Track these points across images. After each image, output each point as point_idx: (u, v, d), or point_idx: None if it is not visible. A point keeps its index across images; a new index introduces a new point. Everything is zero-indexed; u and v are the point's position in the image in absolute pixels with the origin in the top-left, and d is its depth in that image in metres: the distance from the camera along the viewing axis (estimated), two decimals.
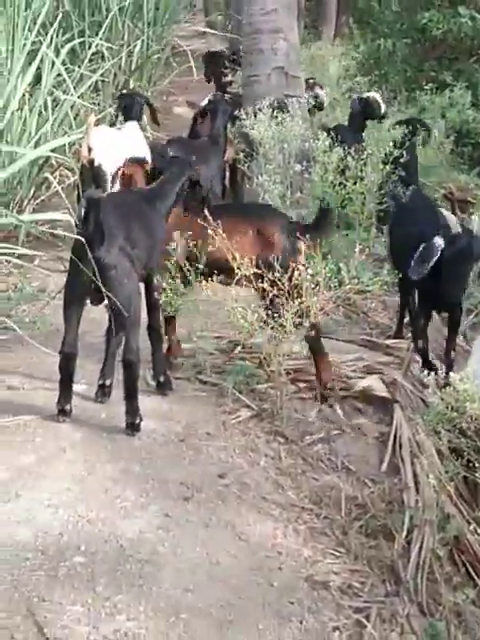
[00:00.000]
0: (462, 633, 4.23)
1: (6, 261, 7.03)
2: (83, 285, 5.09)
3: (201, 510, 4.66)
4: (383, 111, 10.21)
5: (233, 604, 4.03)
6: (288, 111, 9.68)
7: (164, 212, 5.74)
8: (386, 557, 4.67)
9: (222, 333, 6.55)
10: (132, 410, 5.23)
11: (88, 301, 5.20)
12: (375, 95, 10.36)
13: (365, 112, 10.14)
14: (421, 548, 4.65)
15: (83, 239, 4.94)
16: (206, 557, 4.31)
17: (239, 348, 6.37)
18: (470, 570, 4.76)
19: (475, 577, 4.72)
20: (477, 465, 4.76)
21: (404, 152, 8.99)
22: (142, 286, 5.55)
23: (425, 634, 4.16)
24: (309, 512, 4.93)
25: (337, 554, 4.63)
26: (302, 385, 6.22)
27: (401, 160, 9.10)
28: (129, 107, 8.67)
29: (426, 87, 13.04)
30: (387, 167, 8.84)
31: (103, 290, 4.99)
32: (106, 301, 5.10)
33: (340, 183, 8.71)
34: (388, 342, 7.10)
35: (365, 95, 10.43)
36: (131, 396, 5.23)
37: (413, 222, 6.83)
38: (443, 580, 4.44)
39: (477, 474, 4.41)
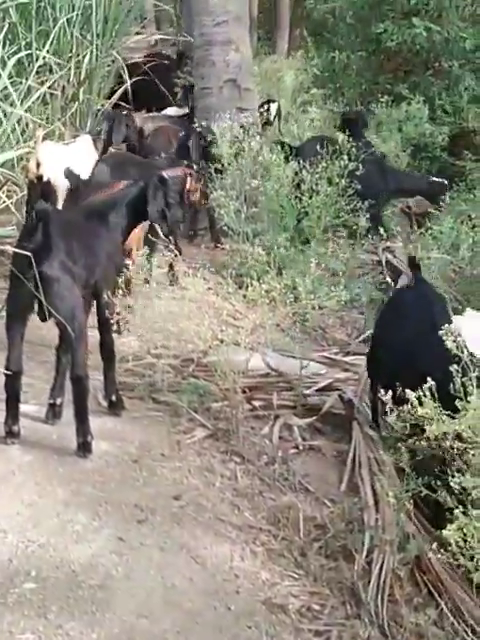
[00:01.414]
0: None
1: None
2: (25, 300, 5.07)
3: (156, 533, 4.64)
4: None
5: (189, 629, 4.01)
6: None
7: (117, 227, 5.72)
8: (346, 578, 4.68)
9: (177, 350, 6.53)
10: (83, 429, 5.20)
11: (36, 317, 5.17)
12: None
13: None
14: (381, 569, 4.66)
15: (27, 253, 4.92)
16: (161, 581, 4.28)
17: (193, 366, 6.36)
18: (431, 590, 4.77)
19: (437, 597, 4.73)
20: (438, 484, 4.76)
21: (359, 165, 9.06)
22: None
23: None
24: (267, 533, 4.93)
25: (296, 576, 4.63)
26: (258, 403, 6.22)
27: (357, 173, 9.17)
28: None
29: (382, 100, 13.13)
30: (342, 181, 8.89)
31: (45, 304, 4.97)
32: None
33: (296, 197, 8.75)
34: (346, 359, 7.12)
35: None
36: (81, 414, 5.20)
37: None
38: (404, 601, 4.45)
39: (438, 493, 4.41)
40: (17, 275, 5.03)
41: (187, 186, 7.97)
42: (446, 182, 10.69)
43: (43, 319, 5.16)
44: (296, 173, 8.94)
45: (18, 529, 4.49)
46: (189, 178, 8.03)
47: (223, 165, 9.23)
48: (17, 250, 5.08)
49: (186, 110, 11.72)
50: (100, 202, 5.93)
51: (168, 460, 5.41)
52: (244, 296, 6.39)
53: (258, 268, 6.85)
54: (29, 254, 4.91)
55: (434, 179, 10.79)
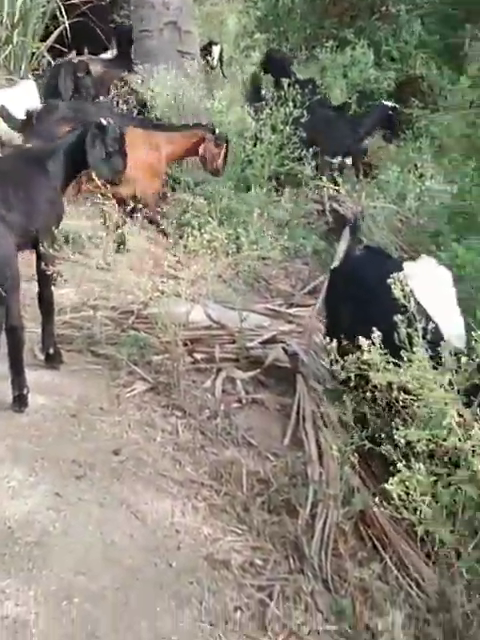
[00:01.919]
0: (368, 609, 4.28)
1: None
2: None
3: (94, 488, 4.62)
4: None
5: (129, 586, 4.01)
6: None
7: (56, 175, 5.64)
8: (289, 533, 4.69)
9: (116, 302, 6.49)
10: (18, 382, 5.17)
11: None
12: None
13: None
14: (325, 523, 4.69)
15: None
16: (100, 537, 4.27)
17: (133, 318, 6.32)
18: (376, 544, 4.82)
19: (381, 551, 4.77)
20: (383, 436, 4.79)
21: (304, 112, 9.03)
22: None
23: (330, 611, 4.20)
24: (209, 488, 4.93)
25: (238, 531, 4.64)
26: (200, 356, 6.20)
27: (301, 120, 9.15)
28: None
29: (327, 45, 13.07)
30: (287, 128, 8.87)
31: None
32: None
33: (239, 145, 8.70)
34: (290, 311, 7.11)
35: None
36: (16, 366, 5.16)
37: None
38: (348, 555, 4.49)
39: (382, 446, 4.44)
40: None
41: (201, 151, 7.83)
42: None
43: None
44: (240, 120, 8.88)
45: None
46: (205, 143, 7.88)
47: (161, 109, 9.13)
48: None
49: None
50: (39, 150, 5.85)
51: (107, 414, 5.38)
52: (185, 247, 6.35)
53: (199, 218, 6.79)
54: None
55: (386, 103, 10.76)
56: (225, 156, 7.90)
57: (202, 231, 6.14)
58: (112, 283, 6.62)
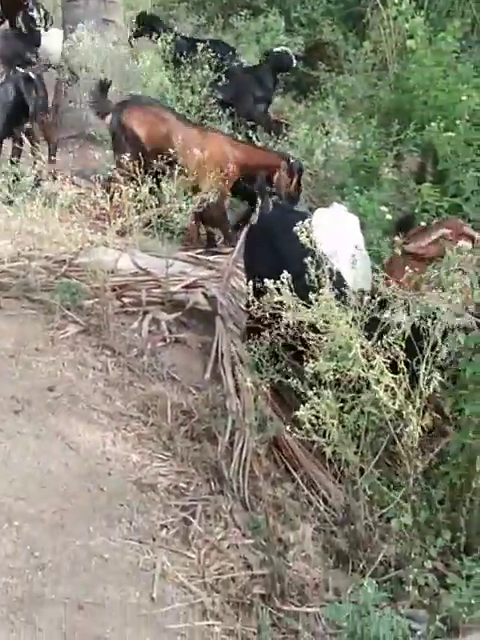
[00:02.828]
0: (281, 524, 4.35)
1: None
2: None
3: (32, 422, 4.61)
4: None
5: (65, 509, 4.03)
6: None
7: None
8: (210, 458, 4.74)
9: (50, 253, 6.41)
10: None
11: None
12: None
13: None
14: (242, 449, 4.74)
15: None
16: (37, 467, 4.28)
17: (66, 266, 6.26)
18: (288, 466, 4.89)
19: (293, 472, 4.85)
20: (291, 370, 4.84)
21: (222, 76, 8.98)
22: None
23: (247, 527, 4.27)
24: (137, 420, 4.95)
25: (164, 458, 4.68)
26: (127, 300, 6.18)
27: (219, 84, 9.10)
28: None
29: (241, 13, 12.93)
30: (204, 90, 8.80)
31: None
32: None
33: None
34: (210, 258, 7.10)
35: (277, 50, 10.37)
36: None
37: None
38: (263, 477, 4.53)
39: (291, 379, 4.48)
40: None
41: (275, 179, 7.36)
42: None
43: None
44: (161, 83, 8.77)
45: None
46: (279, 171, 7.43)
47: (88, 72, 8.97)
48: None
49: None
50: None
51: (43, 354, 5.34)
52: (112, 200, 6.29)
53: (126, 174, 6.73)
54: None
55: (277, 50, 10.62)
56: (299, 184, 7.71)
57: (128, 186, 6.09)
58: (46, 235, 6.54)
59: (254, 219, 6.48)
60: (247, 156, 7.48)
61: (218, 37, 12.40)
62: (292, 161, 7.53)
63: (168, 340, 5.94)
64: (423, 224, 6.24)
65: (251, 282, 4.72)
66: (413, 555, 4.17)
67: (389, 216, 6.93)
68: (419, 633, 3.66)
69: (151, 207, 6.14)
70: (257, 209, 6.19)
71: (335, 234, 5.66)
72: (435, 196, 6.93)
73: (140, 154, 6.52)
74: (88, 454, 4.50)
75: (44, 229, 6.24)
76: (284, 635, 3.75)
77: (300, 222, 4.56)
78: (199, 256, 7.16)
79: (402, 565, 4.19)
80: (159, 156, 6.71)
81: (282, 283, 4.42)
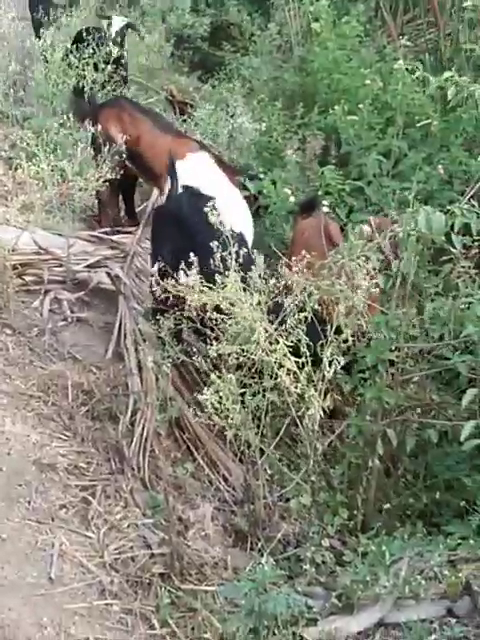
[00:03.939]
0: (182, 503, 4.39)
1: None
2: None
3: None
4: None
5: None
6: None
7: None
8: (111, 438, 4.75)
9: None
10: None
11: None
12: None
13: None
14: (144, 429, 4.75)
15: None
16: None
17: None
18: (190, 447, 4.92)
19: (194, 453, 4.88)
20: (194, 350, 4.87)
21: (125, 53, 8.94)
22: None
23: (147, 506, 4.29)
24: (37, 400, 4.92)
25: (64, 437, 4.67)
26: (29, 279, 6.11)
27: (122, 61, 9.06)
28: None
29: None
30: (108, 67, 8.75)
31: None
32: None
33: (63, 82, 8.51)
34: (113, 237, 7.06)
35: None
36: None
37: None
38: (164, 457, 4.56)
39: (194, 359, 4.51)
40: None
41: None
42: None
43: None
44: (64, 58, 8.65)
45: None
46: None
47: None
48: None
49: None
50: None
51: None
52: (14, 178, 6.22)
53: (28, 151, 6.64)
54: None
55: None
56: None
57: (30, 163, 6.02)
58: None
59: (158, 201, 6.49)
60: None
61: (125, 15, 12.30)
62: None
63: (70, 319, 5.91)
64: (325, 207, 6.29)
65: (156, 264, 4.72)
66: (311, 534, 4.24)
67: (293, 198, 6.99)
68: (315, 610, 3.73)
69: (54, 185, 6.09)
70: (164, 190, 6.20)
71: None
72: (338, 179, 7.01)
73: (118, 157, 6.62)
74: None
75: None
76: (182, 613, 3.78)
77: (207, 204, 4.58)
78: (101, 235, 7.11)
79: (300, 544, 4.27)
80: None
81: (188, 265, 4.45)
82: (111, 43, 9.08)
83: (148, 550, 4.04)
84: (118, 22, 9.98)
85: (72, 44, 9.07)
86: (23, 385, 5.01)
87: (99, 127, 6.98)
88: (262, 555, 3.93)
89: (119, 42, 9.50)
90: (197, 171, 5.88)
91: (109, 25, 9.56)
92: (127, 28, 9.96)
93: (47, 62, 8.64)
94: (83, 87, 7.93)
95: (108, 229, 7.23)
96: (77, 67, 8.53)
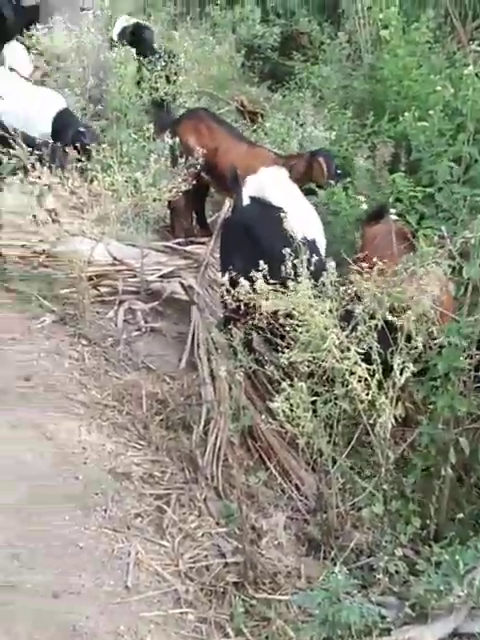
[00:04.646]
0: (254, 512, 4.37)
1: None
2: None
3: (6, 412, 4.61)
4: None
5: (40, 499, 4.02)
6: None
7: None
8: (185, 447, 4.75)
9: (27, 242, 6.40)
10: None
11: None
12: None
13: None
14: (217, 438, 4.74)
15: None
16: (12, 456, 4.27)
17: (43, 256, 6.24)
18: (262, 456, 4.90)
19: (267, 462, 4.86)
20: (266, 359, 4.85)
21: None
22: None
23: (221, 515, 4.27)
24: (112, 409, 4.95)
25: (139, 447, 4.68)
26: (104, 290, 6.17)
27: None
28: None
29: (217, 2, 12.87)
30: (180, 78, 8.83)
31: None
32: None
33: (137, 95, 8.59)
34: (187, 248, 7.09)
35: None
36: None
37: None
38: (237, 465, 4.54)
39: (267, 367, 4.49)
40: None
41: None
42: None
43: None
44: (137, 70, 8.75)
45: None
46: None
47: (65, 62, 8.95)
48: None
49: None
50: None
51: (19, 344, 5.35)
52: (89, 190, 6.29)
53: (103, 162, 6.71)
54: None
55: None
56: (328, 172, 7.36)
57: (105, 175, 6.08)
58: (23, 225, 6.54)
59: (227, 212, 6.50)
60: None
61: (194, 27, 12.37)
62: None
63: (144, 329, 5.95)
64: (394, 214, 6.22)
65: (226, 274, 4.72)
66: (384, 543, 4.19)
67: (365, 205, 6.95)
68: (388, 619, 3.68)
69: (128, 196, 6.14)
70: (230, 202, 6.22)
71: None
72: (409, 186, 6.94)
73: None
74: (63, 443, 4.49)
75: (21, 219, 6.24)
76: (256, 622, 3.76)
77: (277, 215, 4.57)
78: (175, 246, 7.14)
79: (373, 553, 4.22)
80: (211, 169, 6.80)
81: (258, 274, 4.44)
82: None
83: (222, 559, 4.03)
84: (122, 22, 10.03)
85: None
86: (98, 395, 5.05)
87: (177, 138, 7.03)
88: (335, 564, 3.90)
89: (124, 44, 9.50)
90: (267, 182, 5.86)
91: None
92: (141, 30, 9.91)
93: (121, 76, 8.73)
94: (162, 99, 8.00)
95: (181, 240, 7.26)
96: (149, 80, 8.59)
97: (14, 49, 9.23)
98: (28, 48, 9.46)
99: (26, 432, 4.49)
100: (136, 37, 9.70)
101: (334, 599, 3.55)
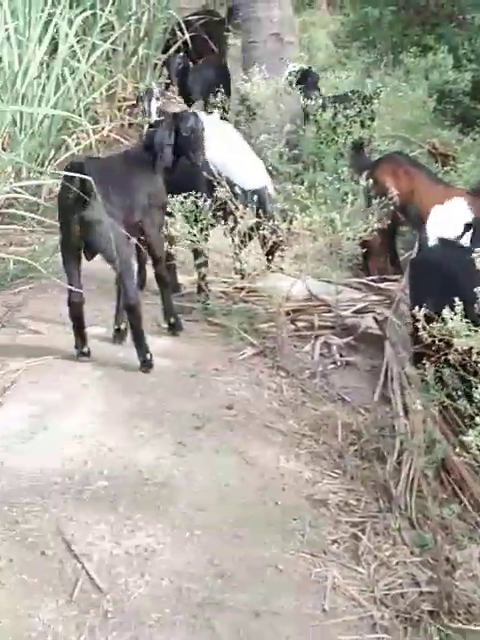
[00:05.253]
0: (448, 543, 4.26)
1: (31, 217, 6.94)
2: (75, 241, 5.11)
3: (211, 438, 4.69)
4: None
5: (241, 521, 4.07)
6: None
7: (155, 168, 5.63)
8: (379, 477, 4.69)
9: (228, 279, 6.55)
10: (141, 348, 5.27)
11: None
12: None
13: None
14: (410, 469, 4.66)
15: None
16: (216, 480, 4.34)
17: (244, 292, 6.37)
18: (455, 488, 4.78)
19: (460, 494, 4.74)
20: (459, 394, 4.75)
21: None
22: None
23: (414, 545, 4.20)
24: (309, 438, 4.96)
25: (335, 475, 4.66)
26: (301, 324, 6.23)
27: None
28: None
29: (410, 51, 12.82)
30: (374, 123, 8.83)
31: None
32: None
33: (332, 139, 8.65)
34: (380, 285, 7.06)
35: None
36: (137, 337, 5.27)
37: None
38: (431, 497, 4.45)
39: (459, 402, 4.41)
40: (65, 219, 5.12)
41: None
42: None
43: (89, 257, 5.20)
44: (333, 117, 8.82)
45: (91, 435, 4.57)
46: None
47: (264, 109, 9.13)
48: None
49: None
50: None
51: (222, 374, 5.45)
52: (288, 229, 6.38)
53: (300, 204, 6.80)
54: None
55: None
56: None
57: (303, 215, 6.15)
58: (223, 263, 6.70)
59: (414, 252, 6.46)
60: None
61: (388, 74, 12.37)
62: None
63: (339, 363, 5.95)
64: None
65: (418, 308, 4.68)
66: None
67: None
68: None
69: (324, 235, 6.18)
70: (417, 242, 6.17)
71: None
72: None
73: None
74: (264, 469, 4.53)
75: (220, 258, 6.39)
76: None
77: (468, 256, 4.51)
78: (368, 282, 7.13)
79: None
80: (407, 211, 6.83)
81: (453, 311, 4.37)
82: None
83: (417, 588, 3.94)
84: (290, 68, 9.93)
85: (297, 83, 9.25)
86: (296, 425, 5.08)
87: (373, 180, 7.04)
88: None
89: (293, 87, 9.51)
90: (454, 221, 5.80)
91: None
92: (306, 74, 9.81)
93: (317, 122, 8.82)
94: (362, 143, 8.05)
95: (375, 277, 7.24)
96: (345, 125, 8.65)
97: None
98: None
99: (229, 458, 4.56)
100: (301, 80, 9.71)
101: None
